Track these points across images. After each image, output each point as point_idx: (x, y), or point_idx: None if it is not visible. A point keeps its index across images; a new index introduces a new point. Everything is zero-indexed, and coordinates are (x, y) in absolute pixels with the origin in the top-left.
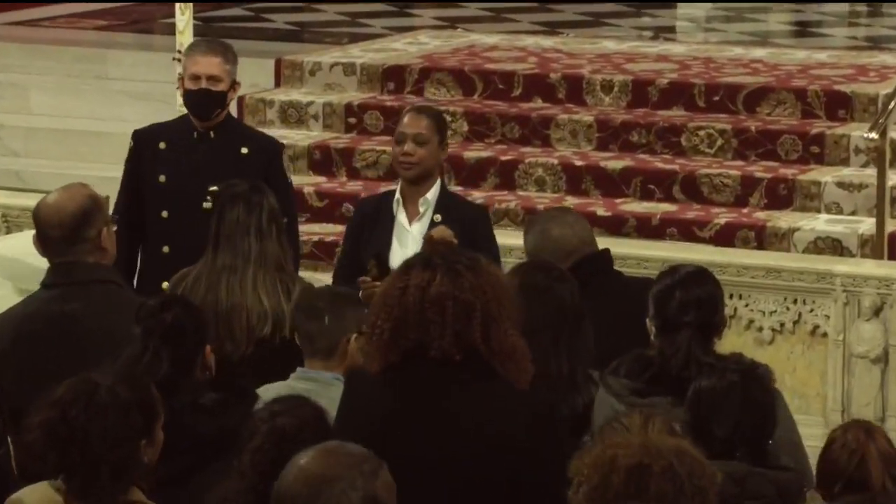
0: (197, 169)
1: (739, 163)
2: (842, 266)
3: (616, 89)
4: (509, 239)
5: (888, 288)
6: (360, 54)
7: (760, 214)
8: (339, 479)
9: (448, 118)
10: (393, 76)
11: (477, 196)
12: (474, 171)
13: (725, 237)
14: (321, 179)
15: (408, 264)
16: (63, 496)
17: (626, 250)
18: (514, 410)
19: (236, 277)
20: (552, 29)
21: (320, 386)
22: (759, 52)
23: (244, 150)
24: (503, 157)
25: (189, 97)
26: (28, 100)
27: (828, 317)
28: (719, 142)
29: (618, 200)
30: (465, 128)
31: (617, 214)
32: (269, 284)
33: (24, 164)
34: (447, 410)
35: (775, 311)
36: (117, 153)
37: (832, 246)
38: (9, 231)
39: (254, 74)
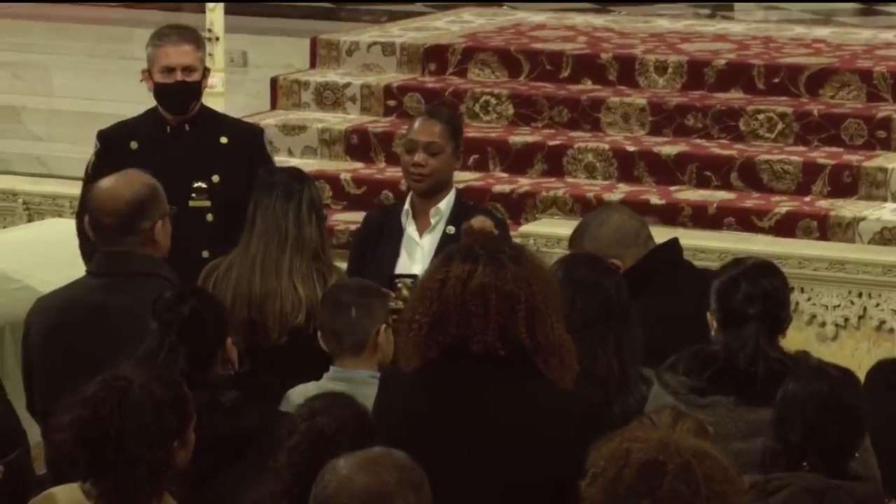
0: (176, 165)
1: (801, 148)
2: None
3: (670, 70)
4: (557, 228)
5: None
6: (400, 33)
7: (823, 203)
8: (391, 496)
9: (493, 101)
10: (434, 56)
11: (523, 183)
12: (520, 156)
13: (786, 227)
14: (358, 165)
15: (447, 255)
16: (93, 500)
17: (680, 241)
18: (562, 411)
19: (271, 263)
20: (603, 6)
21: (355, 385)
22: (821, 32)
23: (223, 140)
24: (551, 143)
25: (165, 92)
26: (50, 81)
27: (895, 311)
28: (780, 126)
29: (672, 188)
30: (511, 111)
31: (671, 203)
32: (304, 272)
33: (46, 149)
34: (489, 410)
35: (839, 306)
36: None
37: None
38: (30, 219)
39: (288, 54)
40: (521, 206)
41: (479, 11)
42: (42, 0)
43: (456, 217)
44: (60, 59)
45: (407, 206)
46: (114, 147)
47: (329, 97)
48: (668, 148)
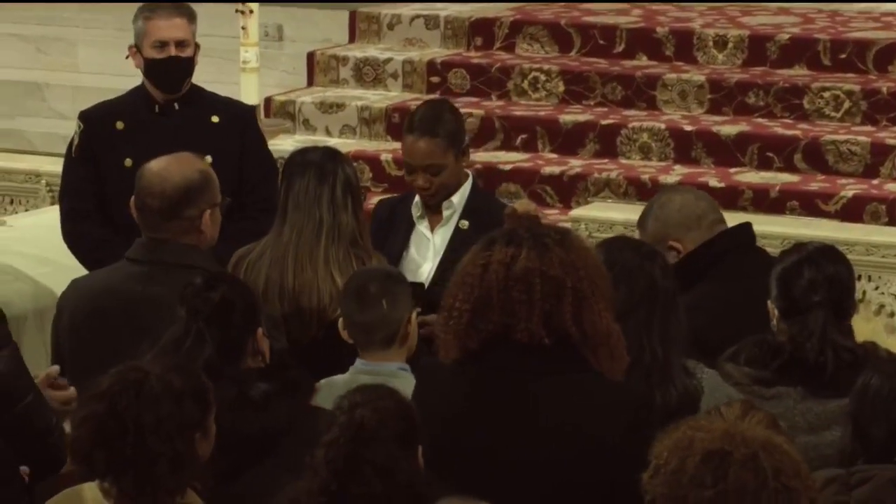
0: (165, 146)
1: (869, 128)
2: None
3: (731, 45)
4: (610, 213)
5: None
6: (444, 6)
7: (892, 186)
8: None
9: (542, 77)
10: (481, 30)
11: (574, 165)
12: (571, 136)
13: (853, 211)
14: (399, 145)
15: (490, 239)
16: (112, 499)
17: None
18: (613, 405)
19: (305, 252)
20: None
21: (383, 379)
22: (891, 5)
23: (214, 119)
24: (603, 121)
25: (157, 68)
26: (76, 56)
27: None
28: (846, 104)
29: (732, 170)
30: (562, 88)
31: (731, 185)
32: (341, 260)
33: (72, 128)
34: (534, 404)
35: None
36: None
37: None
38: (54, 202)
39: (326, 28)
40: (572, 189)
41: None
42: None
43: (471, 210)
44: (87, 32)
45: (418, 198)
46: (97, 128)
47: (369, 73)
48: (728, 127)
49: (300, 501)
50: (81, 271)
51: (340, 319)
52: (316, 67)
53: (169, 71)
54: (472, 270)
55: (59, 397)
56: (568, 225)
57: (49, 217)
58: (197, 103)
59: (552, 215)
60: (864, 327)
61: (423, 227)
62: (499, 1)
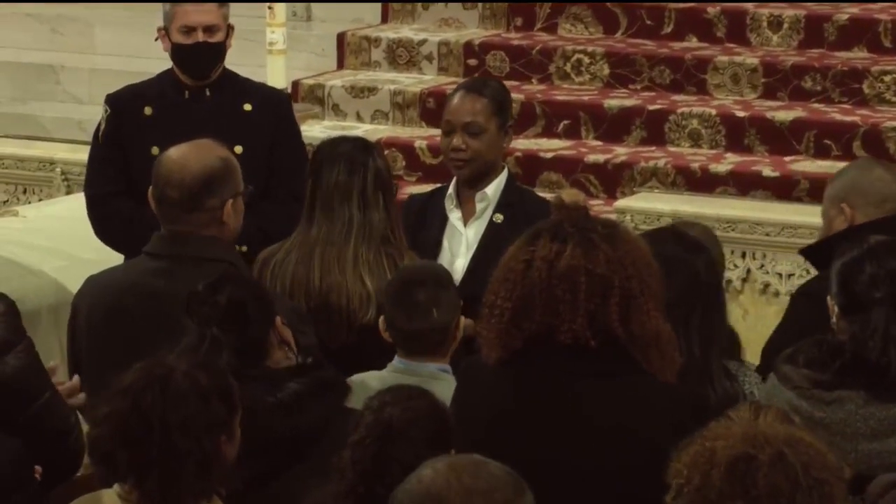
0: (195, 134)
1: None
2: None
3: (786, 26)
4: (657, 203)
5: None
6: None
7: None
8: None
9: (586, 60)
10: (521, 10)
11: (619, 153)
12: (616, 122)
13: None
14: (435, 132)
15: (534, 233)
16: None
17: (796, 217)
18: (665, 409)
19: (333, 252)
20: None
21: (422, 380)
22: None
23: (247, 107)
24: (651, 107)
25: (183, 54)
26: (92, 37)
27: None
28: None
29: (787, 158)
30: (606, 71)
31: (786, 175)
32: (372, 261)
33: (88, 113)
34: (581, 407)
35: None
36: None
37: None
38: (69, 191)
39: (357, 8)
40: (617, 179)
41: None
42: None
43: (506, 204)
44: (104, 12)
45: (451, 190)
46: (125, 112)
47: (403, 55)
48: (783, 113)
49: None
50: (100, 265)
51: (381, 319)
52: (346, 49)
53: (196, 58)
54: (514, 266)
55: (60, 391)
56: (612, 216)
57: (64, 207)
58: (229, 90)
59: (596, 206)
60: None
61: (455, 220)
62: None
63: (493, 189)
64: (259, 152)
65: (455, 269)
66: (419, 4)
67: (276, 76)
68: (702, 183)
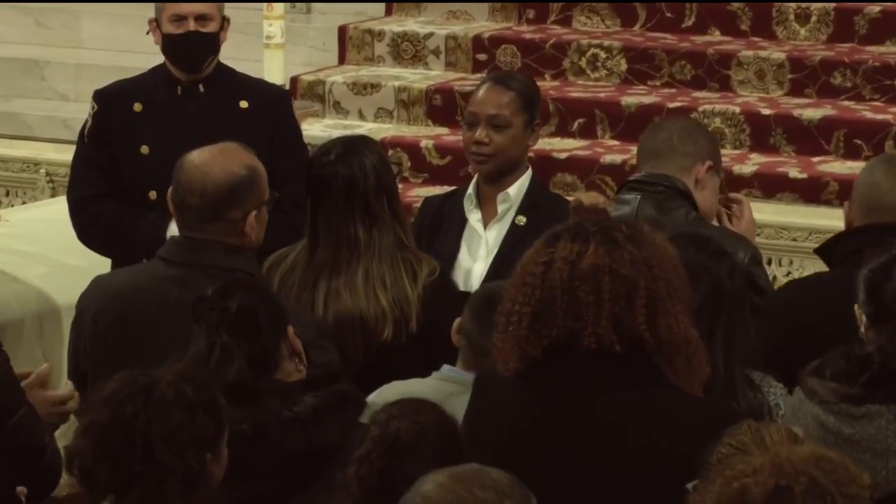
0: (187, 133)
1: None
2: None
3: (814, 20)
4: None
5: None
6: None
7: None
8: None
9: (602, 55)
10: (533, 1)
11: None
12: (635, 120)
13: None
14: (442, 131)
15: (553, 234)
16: None
17: (824, 221)
18: (695, 423)
19: (340, 279)
20: None
21: (465, 389)
22: None
23: (243, 104)
24: (671, 104)
25: (173, 44)
26: (79, 30)
27: None
28: None
29: (815, 159)
30: (624, 67)
31: (814, 176)
32: (385, 273)
33: (74, 111)
34: (605, 419)
35: None
36: None
37: None
38: (54, 194)
39: None
40: None
41: None
42: None
43: (529, 206)
44: (92, 4)
45: (471, 190)
46: (114, 109)
47: (408, 50)
48: (811, 111)
49: None
50: (86, 271)
51: (456, 323)
52: (348, 43)
53: (187, 48)
54: (532, 269)
55: (51, 398)
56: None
57: (49, 210)
58: (225, 86)
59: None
60: None
61: (475, 221)
62: None
63: (517, 189)
64: (256, 152)
65: (473, 273)
66: None
67: (274, 72)
68: (725, 185)
